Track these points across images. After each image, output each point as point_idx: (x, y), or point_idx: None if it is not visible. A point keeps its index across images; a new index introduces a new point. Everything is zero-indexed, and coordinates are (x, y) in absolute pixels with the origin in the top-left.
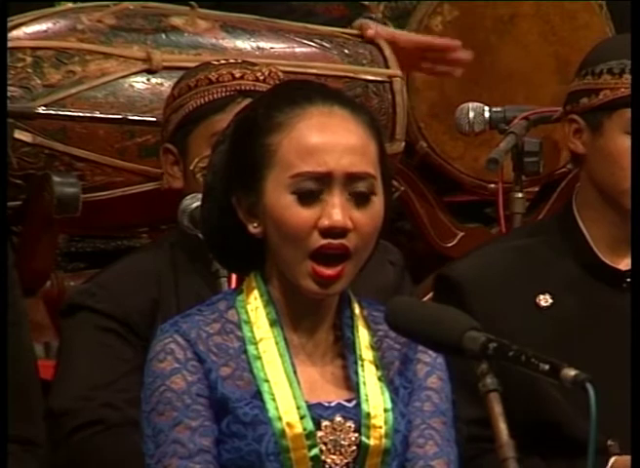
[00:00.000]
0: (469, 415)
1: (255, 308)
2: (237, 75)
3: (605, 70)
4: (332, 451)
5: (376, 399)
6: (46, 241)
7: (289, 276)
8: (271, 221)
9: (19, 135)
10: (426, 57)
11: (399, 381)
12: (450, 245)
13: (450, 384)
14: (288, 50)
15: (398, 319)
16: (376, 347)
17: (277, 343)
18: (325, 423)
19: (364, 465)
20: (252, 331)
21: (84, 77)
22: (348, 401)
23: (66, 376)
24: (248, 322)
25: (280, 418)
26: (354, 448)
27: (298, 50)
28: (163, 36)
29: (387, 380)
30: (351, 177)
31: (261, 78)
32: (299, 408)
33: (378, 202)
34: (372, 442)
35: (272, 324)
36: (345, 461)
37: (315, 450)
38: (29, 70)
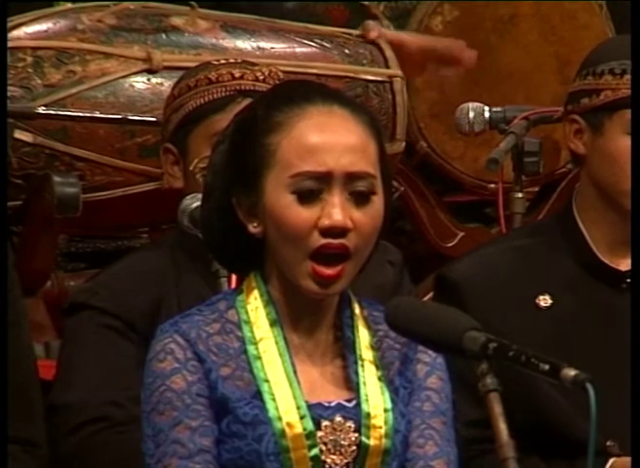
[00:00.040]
0: (469, 416)
1: (255, 308)
2: (237, 75)
3: (606, 71)
4: (332, 451)
5: (376, 399)
6: (46, 241)
7: (289, 276)
8: (271, 221)
9: (19, 134)
10: (431, 59)
11: (399, 381)
12: (450, 245)
13: (450, 384)
14: (288, 50)
15: (398, 319)
16: (376, 347)
17: (277, 343)
18: (325, 423)
19: (364, 465)
20: (252, 331)
21: (84, 77)
22: (348, 401)
23: (70, 374)
24: (248, 322)
25: (280, 418)
26: (354, 448)
27: (298, 50)
28: (163, 36)
29: (387, 380)
30: (351, 177)
31: (261, 78)
32: (299, 408)
33: (378, 201)
34: (372, 442)
35: (272, 324)
36: (345, 461)
37: (315, 450)
38: (30, 70)
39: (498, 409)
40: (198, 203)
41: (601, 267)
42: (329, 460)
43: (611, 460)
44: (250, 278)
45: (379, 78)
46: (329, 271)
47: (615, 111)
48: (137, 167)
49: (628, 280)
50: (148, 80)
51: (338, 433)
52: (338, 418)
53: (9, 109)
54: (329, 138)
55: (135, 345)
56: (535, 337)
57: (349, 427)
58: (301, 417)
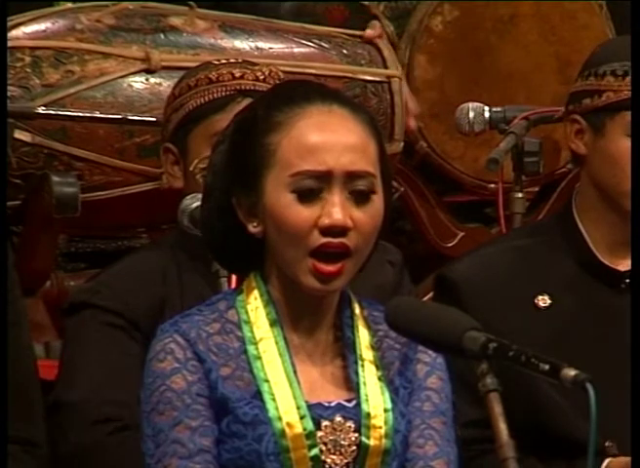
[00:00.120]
0: (469, 416)
1: (255, 308)
2: (237, 75)
3: (608, 72)
4: (332, 451)
5: (376, 399)
6: (46, 241)
7: (289, 274)
8: (271, 220)
9: (18, 134)
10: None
11: (399, 381)
12: (450, 245)
13: (450, 384)
14: (286, 50)
15: (398, 319)
16: (376, 347)
17: (277, 343)
18: (325, 423)
19: (364, 465)
20: (252, 331)
21: (83, 77)
22: (348, 401)
23: (73, 373)
24: (248, 322)
25: (280, 418)
26: (354, 448)
27: (296, 50)
28: (162, 36)
29: (387, 380)
30: (351, 176)
31: (262, 78)
32: (299, 408)
33: (377, 200)
34: (372, 442)
35: (272, 324)
36: (345, 461)
37: (315, 450)
38: (28, 70)
39: (498, 409)
40: (198, 203)
41: (600, 267)
42: (329, 460)
43: (606, 460)
44: (250, 278)
45: (377, 78)
46: (329, 268)
47: (616, 113)
48: (135, 167)
49: (627, 280)
50: (147, 80)
51: (338, 433)
52: (338, 418)
53: (8, 109)
54: (329, 138)
55: (139, 344)
56: (534, 337)
57: (349, 427)
58: (301, 417)
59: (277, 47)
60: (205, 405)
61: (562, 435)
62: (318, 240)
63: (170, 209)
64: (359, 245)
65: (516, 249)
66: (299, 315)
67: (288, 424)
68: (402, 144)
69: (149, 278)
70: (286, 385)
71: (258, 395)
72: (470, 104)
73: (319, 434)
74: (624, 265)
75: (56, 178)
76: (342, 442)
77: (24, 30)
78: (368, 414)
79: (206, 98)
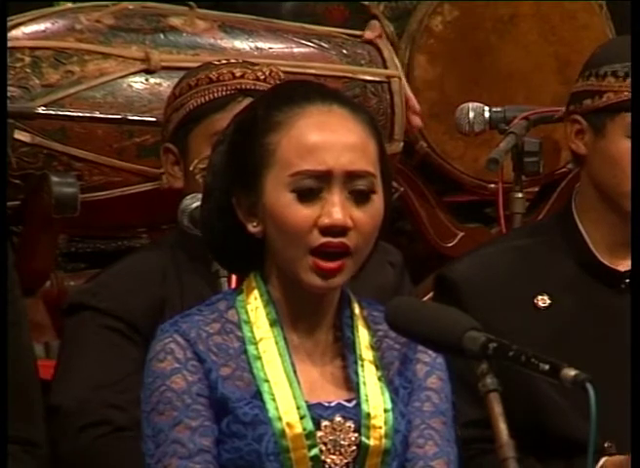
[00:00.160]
0: (469, 416)
1: (255, 308)
2: (238, 74)
3: (609, 73)
4: (332, 451)
5: (376, 399)
6: (46, 241)
7: (290, 272)
8: (271, 220)
9: (17, 135)
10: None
11: (399, 381)
12: (450, 245)
13: (450, 384)
14: (286, 50)
15: (398, 319)
16: (375, 347)
17: (277, 343)
18: (325, 423)
19: (364, 465)
20: (252, 331)
21: (82, 77)
22: (348, 401)
23: (69, 376)
24: (248, 322)
25: (280, 418)
26: (354, 448)
27: (296, 50)
28: (161, 36)
29: (387, 380)
30: (351, 176)
31: (262, 77)
32: (298, 408)
33: (377, 200)
34: (372, 442)
35: (272, 324)
36: (345, 461)
37: (315, 450)
38: (28, 70)
39: (498, 409)
40: (198, 203)
41: (600, 268)
42: (329, 460)
43: (602, 459)
44: (250, 278)
45: (377, 78)
46: (330, 264)
47: (617, 114)
48: (135, 167)
49: (627, 280)
50: (146, 80)
51: (337, 433)
52: (337, 418)
53: (8, 109)
54: (328, 137)
55: (138, 347)
56: (533, 337)
57: (349, 427)
58: (301, 417)
59: (277, 47)
60: (205, 405)
61: (562, 435)
62: (318, 239)
63: (170, 209)
64: (359, 244)
65: (516, 249)
66: (299, 315)
67: (288, 424)
68: (402, 144)
69: (149, 278)
70: (286, 385)
71: (258, 395)
72: (470, 104)
73: (319, 434)
74: (624, 265)
75: (55, 179)
76: (342, 442)
77: (24, 30)
78: (368, 414)
79: (206, 98)
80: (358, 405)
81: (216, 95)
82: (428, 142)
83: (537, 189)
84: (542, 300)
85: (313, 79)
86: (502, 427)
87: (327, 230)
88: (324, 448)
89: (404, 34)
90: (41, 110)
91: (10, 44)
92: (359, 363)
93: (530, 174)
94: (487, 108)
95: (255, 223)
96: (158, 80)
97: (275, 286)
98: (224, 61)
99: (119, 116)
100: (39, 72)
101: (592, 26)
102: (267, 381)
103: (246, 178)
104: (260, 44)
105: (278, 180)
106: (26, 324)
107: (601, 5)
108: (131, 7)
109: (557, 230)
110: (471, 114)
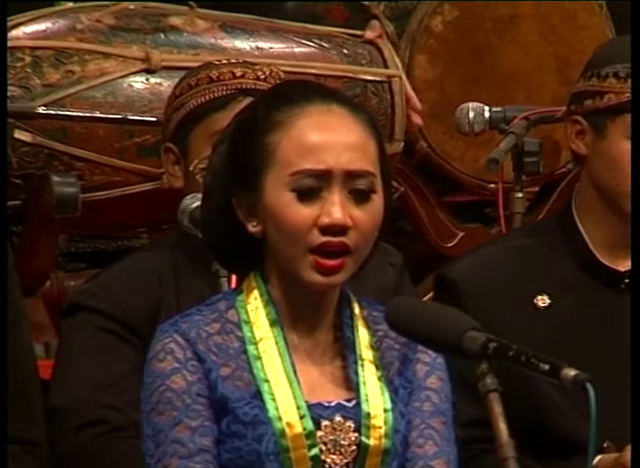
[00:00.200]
0: (469, 416)
1: (255, 308)
2: (238, 74)
3: (611, 73)
4: (331, 451)
5: (375, 399)
6: (46, 241)
7: (291, 270)
8: (271, 220)
9: (18, 134)
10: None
11: (399, 381)
12: (450, 245)
13: (450, 384)
14: (287, 50)
15: (398, 319)
16: (375, 347)
17: (277, 343)
18: (325, 423)
19: (364, 465)
20: (252, 331)
21: (83, 77)
22: (348, 401)
23: (66, 377)
24: (248, 322)
25: (280, 418)
26: (354, 447)
27: (297, 50)
28: (162, 36)
29: (387, 380)
30: (351, 175)
31: (262, 77)
32: (298, 407)
33: (377, 200)
34: (371, 442)
35: (272, 324)
36: (345, 461)
37: (315, 450)
38: (28, 70)
39: (498, 409)
40: (198, 203)
41: (600, 268)
42: (329, 460)
43: (598, 457)
44: (250, 278)
45: (377, 78)
46: (331, 262)
47: (618, 115)
48: (135, 167)
49: (627, 280)
50: (147, 80)
51: (337, 433)
52: (337, 418)
53: (8, 109)
54: (328, 137)
55: (134, 348)
56: (533, 337)
57: (349, 427)
58: (301, 417)
59: (277, 47)
60: (205, 405)
61: (562, 435)
62: (318, 239)
63: (170, 209)
64: (359, 244)
65: (516, 249)
66: (299, 315)
67: (288, 424)
68: (402, 144)
69: (148, 278)
70: (286, 385)
71: (257, 395)
72: (470, 104)
73: (319, 434)
74: (624, 265)
75: (56, 178)
76: (342, 441)
77: (25, 30)
78: (368, 414)
79: (207, 97)
80: (358, 404)
81: (216, 94)
82: (428, 142)
83: (537, 189)
84: (542, 300)
85: (314, 79)
86: (502, 427)
87: (327, 229)
88: (324, 447)
89: (404, 34)
90: (41, 110)
91: (10, 44)
92: (359, 363)
93: (530, 174)
94: (487, 108)
95: (254, 223)
96: (159, 80)
97: (275, 286)
98: (225, 61)
99: (120, 116)
100: (40, 72)
101: (592, 26)
102: (267, 381)
103: (246, 178)
104: (261, 44)
105: (278, 180)
106: (26, 324)
107: (601, 5)
108: (131, 7)
109: (557, 230)
110: (471, 114)
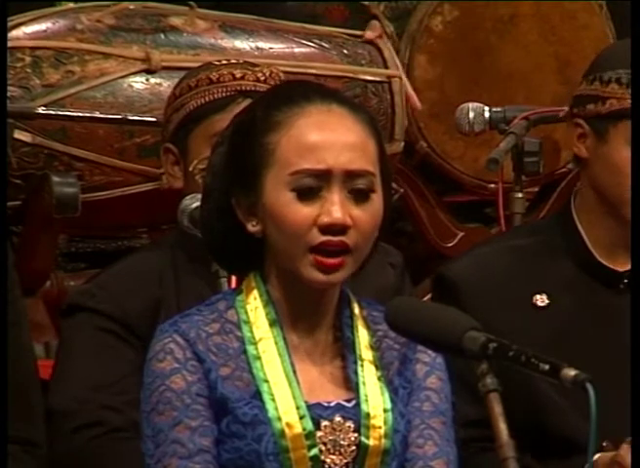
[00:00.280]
0: (469, 416)
1: (254, 308)
2: (238, 75)
3: (613, 79)
4: (331, 451)
5: (375, 399)
6: (46, 241)
7: (291, 269)
8: (271, 219)
9: (18, 134)
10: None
11: (398, 381)
12: (450, 245)
13: (449, 384)
14: (287, 50)
15: (398, 319)
16: (375, 347)
17: (277, 343)
18: (324, 423)
19: (363, 465)
20: (251, 331)
21: (83, 77)
22: (348, 401)
23: (65, 377)
24: (247, 322)
25: (279, 418)
26: (354, 448)
27: (297, 50)
28: (162, 36)
29: (387, 380)
30: (350, 175)
31: (262, 78)
32: (298, 408)
33: (377, 199)
34: (371, 442)
35: (272, 324)
36: (345, 461)
37: (315, 450)
38: (28, 70)
39: (498, 409)
40: (198, 203)
41: (599, 268)
42: (328, 460)
43: (596, 456)
44: (249, 278)
45: (377, 78)
46: (331, 260)
47: (619, 120)
48: (135, 167)
49: (626, 280)
50: (147, 80)
51: (337, 433)
52: (337, 418)
53: (8, 109)
54: (328, 136)
55: (134, 348)
56: (532, 337)
57: (349, 427)
58: (301, 417)
59: (277, 47)
60: (204, 405)
61: (561, 435)
62: (318, 238)
63: (170, 209)
64: (359, 243)
65: (514, 248)
66: (298, 315)
67: (287, 424)
68: (402, 144)
69: (148, 278)
70: (285, 385)
71: (257, 395)
72: (470, 104)
73: (318, 434)
74: (623, 266)
75: (56, 179)
76: (342, 442)
77: (25, 30)
78: (367, 414)
79: (206, 99)
80: (358, 405)
81: (216, 96)
82: (428, 142)
83: (537, 189)
84: (541, 300)
85: (314, 79)
86: (502, 427)
87: (326, 229)
88: (323, 447)
89: (404, 34)
90: (41, 110)
91: (10, 44)
92: (359, 363)
93: (530, 174)
94: (487, 108)
95: (254, 223)
96: (159, 80)
97: (275, 286)
98: (225, 62)
99: (120, 116)
100: (39, 72)
101: (592, 26)
102: (267, 381)
103: (245, 178)
104: (261, 44)
105: (278, 180)
106: (26, 324)
107: (601, 5)
108: (131, 7)
109: (556, 230)
110: (471, 114)
